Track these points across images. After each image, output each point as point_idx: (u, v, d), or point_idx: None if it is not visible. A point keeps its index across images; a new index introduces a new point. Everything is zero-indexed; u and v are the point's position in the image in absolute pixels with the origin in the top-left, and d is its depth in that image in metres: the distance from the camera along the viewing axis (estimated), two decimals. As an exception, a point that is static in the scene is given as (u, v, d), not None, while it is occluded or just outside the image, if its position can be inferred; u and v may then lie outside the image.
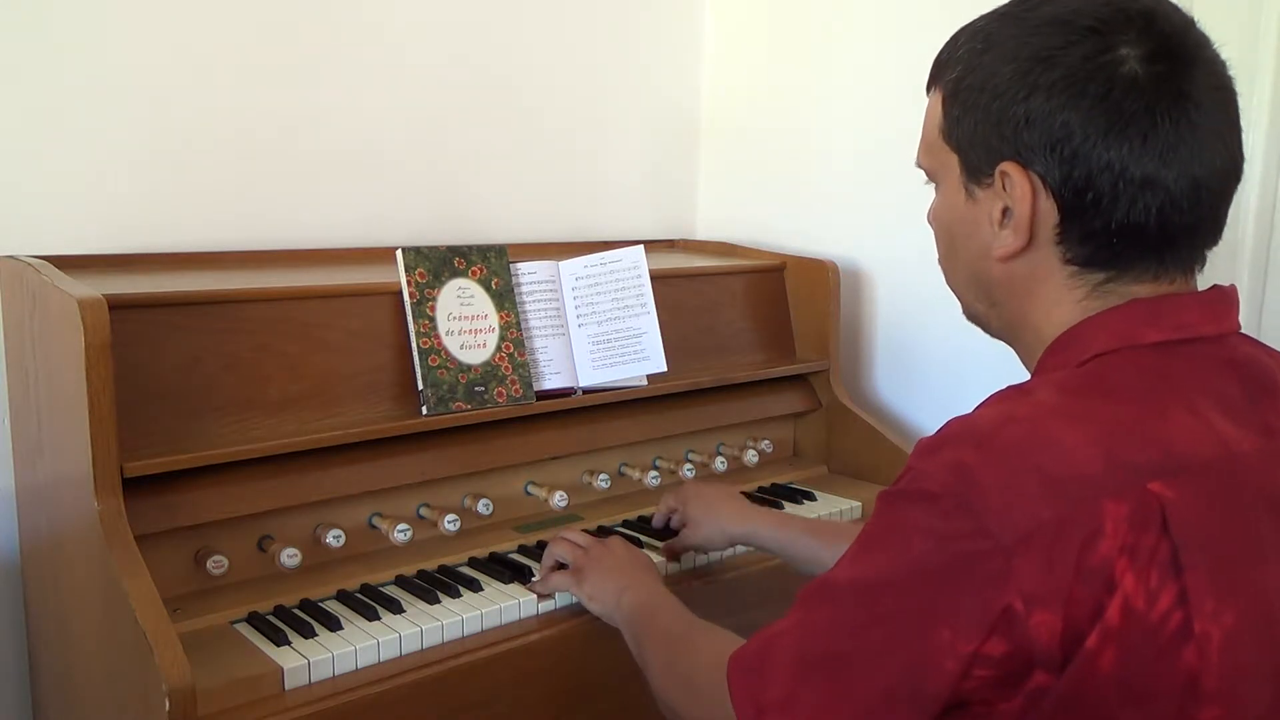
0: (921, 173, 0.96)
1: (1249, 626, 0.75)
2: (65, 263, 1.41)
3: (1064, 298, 0.87)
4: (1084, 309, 0.86)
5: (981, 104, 0.85)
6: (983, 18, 0.89)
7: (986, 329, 0.97)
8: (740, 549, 1.49)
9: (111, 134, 1.57)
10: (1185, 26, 0.83)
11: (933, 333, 1.92)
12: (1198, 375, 0.82)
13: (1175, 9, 0.84)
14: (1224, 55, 0.84)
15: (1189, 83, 0.80)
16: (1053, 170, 0.82)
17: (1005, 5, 0.88)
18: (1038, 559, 0.72)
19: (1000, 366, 1.05)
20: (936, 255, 0.97)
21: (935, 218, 0.96)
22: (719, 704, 0.87)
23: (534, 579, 1.36)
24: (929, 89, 0.93)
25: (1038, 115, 0.82)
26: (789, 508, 1.70)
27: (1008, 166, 0.84)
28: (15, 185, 1.50)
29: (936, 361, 1.93)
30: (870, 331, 2.04)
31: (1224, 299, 0.87)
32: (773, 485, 1.80)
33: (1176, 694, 0.73)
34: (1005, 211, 0.86)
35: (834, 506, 1.72)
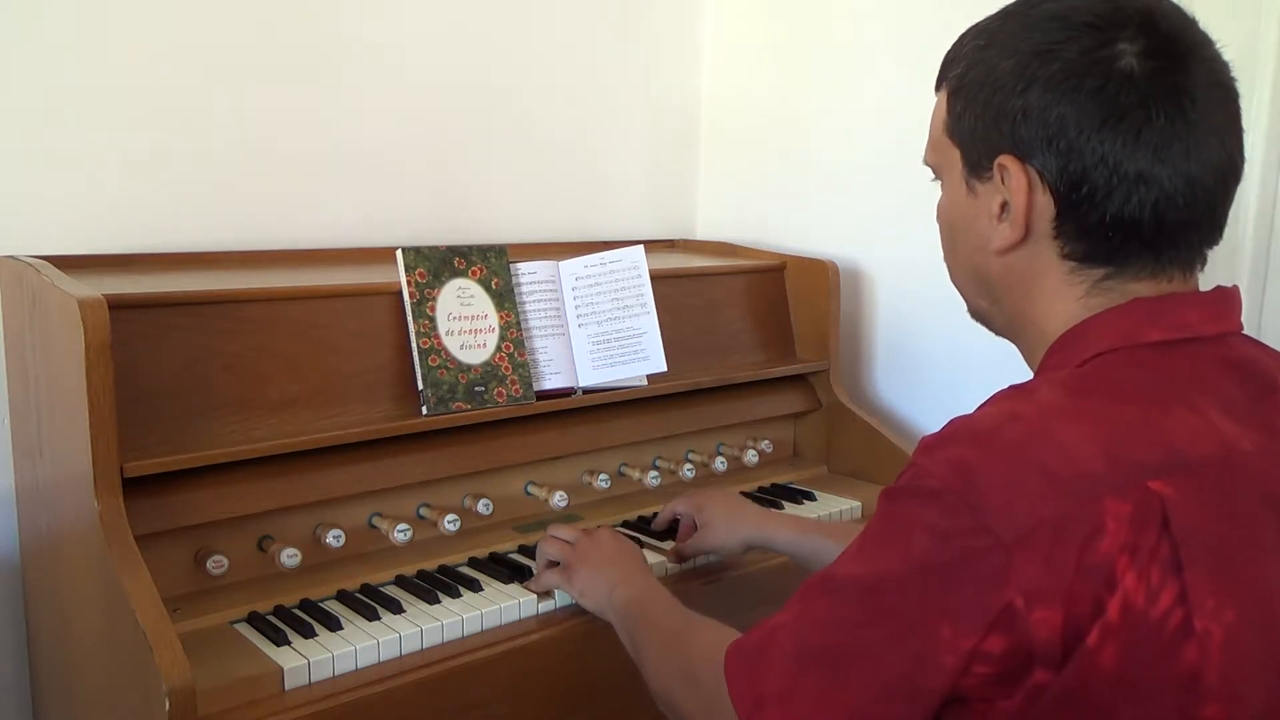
0: (928, 171, 0.97)
1: (1250, 624, 0.75)
2: (65, 263, 1.41)
3: (1064, 294, 0.87)
4: (1085, 306, 0.86)
5: (982, 98, 0.86)
6: (988, 17, 0.90)
7: (990, 326, 0.97)
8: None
9: (111, 134, 1.57)
10: (1184, 25, 0.83)
11: (933, 333, 1.92)
12: (1199, 374, 0.82)
13: (1175, 8, 0.84)
14: (1226, 56, 0.84)
15: (1186, 80, 0.80)
16: (1049, 164, 0.83)
17: (1009, 4, 0.89)
18: (1039, 556, 0.72)
19: (1000, 366, 1.05)
20: (941, 253, 0.98)
21: (939, 214, 0.96)
22: (717, 695, 0.87)
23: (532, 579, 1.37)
24: (937, 87, 0.94)
25: (1035, 109, 0.82)
26: (789, 508, 1.70)
27: (1005, 160, 0.85)
28: (15, 185, 1.50)
29: (936, 361, 1.93)
30: (870, 331, 2.04)
31: (1225, 299, 0.87)
32: (773, 485, 1.80)
33: (1177, 691, 0.73)
34: (1004, 205, 0.87)
35: (834, 506, 1.72)
